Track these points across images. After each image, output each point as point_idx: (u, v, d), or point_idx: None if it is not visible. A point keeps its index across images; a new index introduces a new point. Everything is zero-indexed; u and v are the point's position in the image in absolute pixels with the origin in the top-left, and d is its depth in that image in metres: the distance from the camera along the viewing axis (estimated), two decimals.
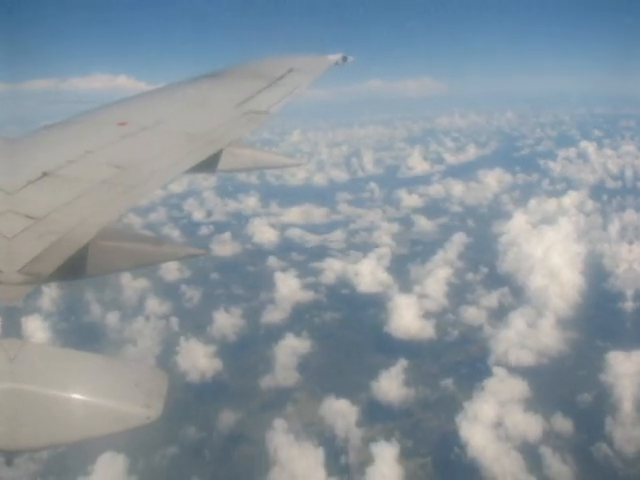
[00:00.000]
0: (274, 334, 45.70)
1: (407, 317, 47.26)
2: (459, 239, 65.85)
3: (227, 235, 69.95)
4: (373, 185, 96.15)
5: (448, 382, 39.86)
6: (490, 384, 38.35)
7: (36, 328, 43.51)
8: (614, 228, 63.21)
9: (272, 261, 61.53)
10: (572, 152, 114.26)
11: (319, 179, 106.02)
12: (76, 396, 2.30)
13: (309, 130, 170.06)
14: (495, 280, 54.27)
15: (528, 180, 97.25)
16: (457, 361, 42.63)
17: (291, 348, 43.76)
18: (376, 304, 50.56)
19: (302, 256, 63.81)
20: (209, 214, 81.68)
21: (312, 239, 70.17)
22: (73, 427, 2.28)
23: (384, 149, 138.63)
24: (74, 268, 3.39)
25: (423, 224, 75.47)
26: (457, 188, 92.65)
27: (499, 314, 48.02)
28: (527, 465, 32.15)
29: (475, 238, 66.51)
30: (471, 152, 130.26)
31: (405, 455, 33.29)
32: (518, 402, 36.77)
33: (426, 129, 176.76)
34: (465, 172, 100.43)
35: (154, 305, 50.61)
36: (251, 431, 35.58)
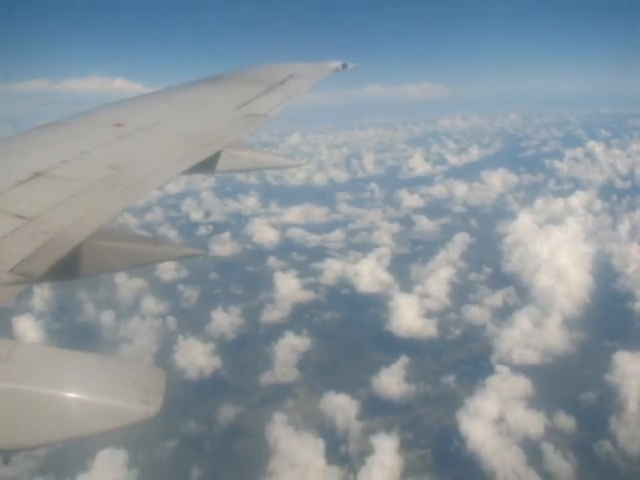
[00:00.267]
0: (274, 333, 45.12)
1: (408, 316, 46.54)
2: (461, 239, 64.53)
3: (226, 235, 69.10)
4: (373, 185, 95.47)
5: (449, 379, 39.25)
6: (492, 381, 37.66)
7: (28, 328, 43.24)
8: (624, 228, 62.42)
9: (272, 261, 60.92)
10: (579, 152, 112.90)
11: (319, 179, 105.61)
12: (72, 394, 2.23)
13: (309, 133, 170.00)
14: (499, 280, 53.12)
15: (534, 180, 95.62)
16: (459, 359, 41.83)
17: (291, 346, 43.28)
18: (377, 304, 49.81)
19: (302, 256, 63.16)
20: (207, 214, 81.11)
21: (312, 239, 69.48)
22: (69, 424, 2.22)
23: (385, 150, 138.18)
24: (68, 268, 3.40)
25: (424, 224, 74.20)
26: (459, 188, 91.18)
27: (503, 313, 47.03)
28: (527, 460, 31.72)
29: (478, 238, 65.22)
30: (474, 153, 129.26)
31: (405, 447, 33.22)
32: (521, 399, 36.10)
33: (428, 131, 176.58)
34: (468, 173, 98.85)
35: (150, 304, 49.85)
36: (251, 424, 35.41)
